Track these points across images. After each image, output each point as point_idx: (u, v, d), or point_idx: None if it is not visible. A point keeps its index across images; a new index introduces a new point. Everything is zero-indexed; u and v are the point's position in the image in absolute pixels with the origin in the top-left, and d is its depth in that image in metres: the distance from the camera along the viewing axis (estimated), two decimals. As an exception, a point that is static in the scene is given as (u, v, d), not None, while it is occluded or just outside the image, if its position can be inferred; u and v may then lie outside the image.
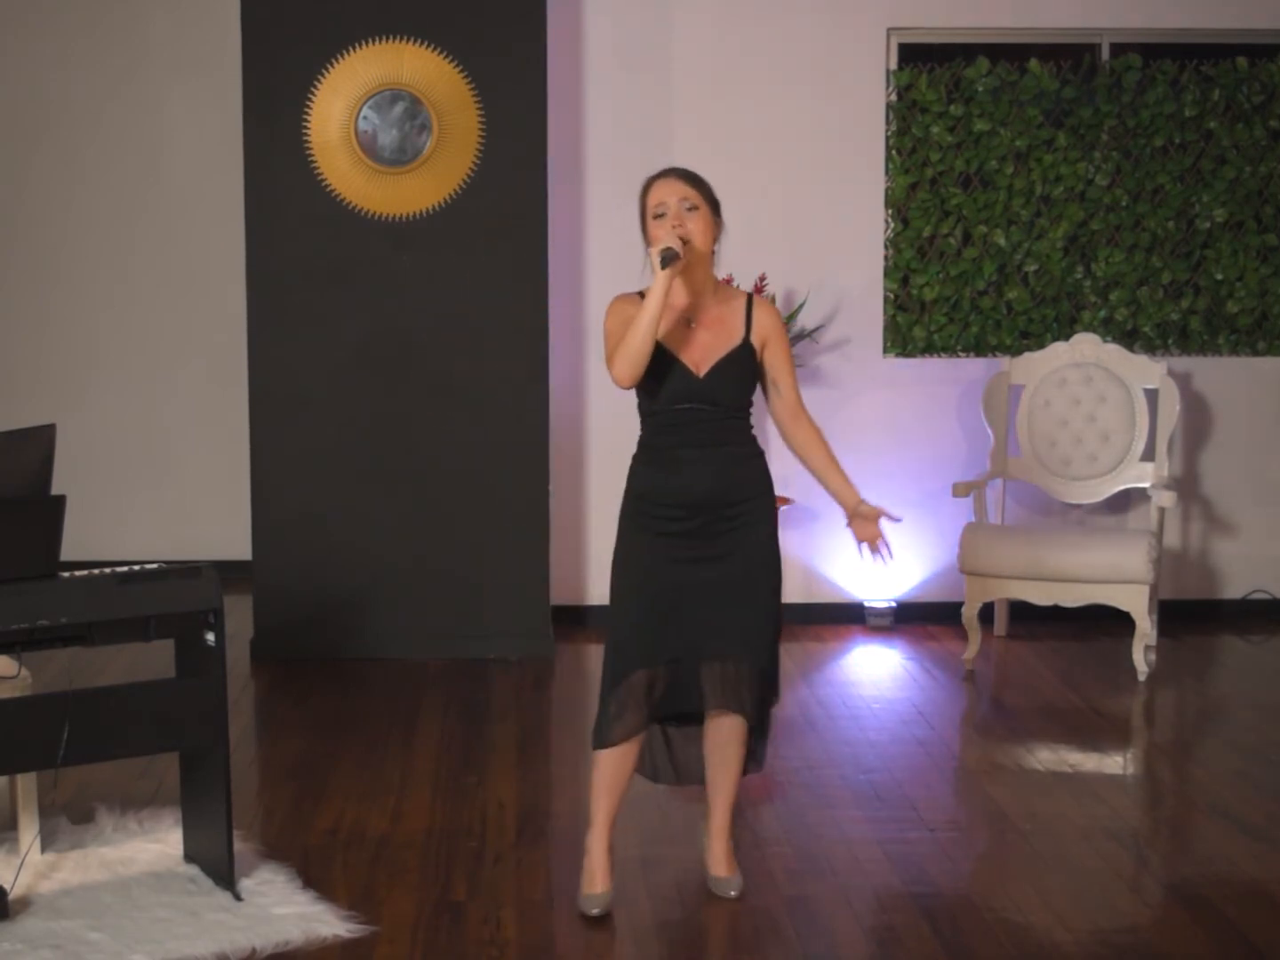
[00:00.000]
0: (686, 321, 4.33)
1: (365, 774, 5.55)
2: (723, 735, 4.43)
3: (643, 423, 4.39)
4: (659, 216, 4.29)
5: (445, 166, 6.98)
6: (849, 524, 4.43)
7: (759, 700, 4.39)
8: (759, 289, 7.15)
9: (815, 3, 7.46)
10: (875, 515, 4.39)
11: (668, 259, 4.18)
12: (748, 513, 4.34)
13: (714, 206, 4.37)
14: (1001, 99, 7.56)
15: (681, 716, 4.48)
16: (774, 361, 4.37)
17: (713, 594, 4.31)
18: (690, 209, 4.30)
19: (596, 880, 4.40)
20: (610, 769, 4.39)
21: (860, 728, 6.08)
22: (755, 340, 4.34)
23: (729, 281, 7.08)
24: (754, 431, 4.42)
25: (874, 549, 4.39)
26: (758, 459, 4.39)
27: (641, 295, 4.31)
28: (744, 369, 4.34)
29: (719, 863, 4.51)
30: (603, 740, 4.35)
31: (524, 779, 5.49)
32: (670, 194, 4.31)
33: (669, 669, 4.31)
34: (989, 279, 7.61)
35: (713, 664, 4.33)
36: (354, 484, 7.05)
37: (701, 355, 4.30)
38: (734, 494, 4.32)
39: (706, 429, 4.30)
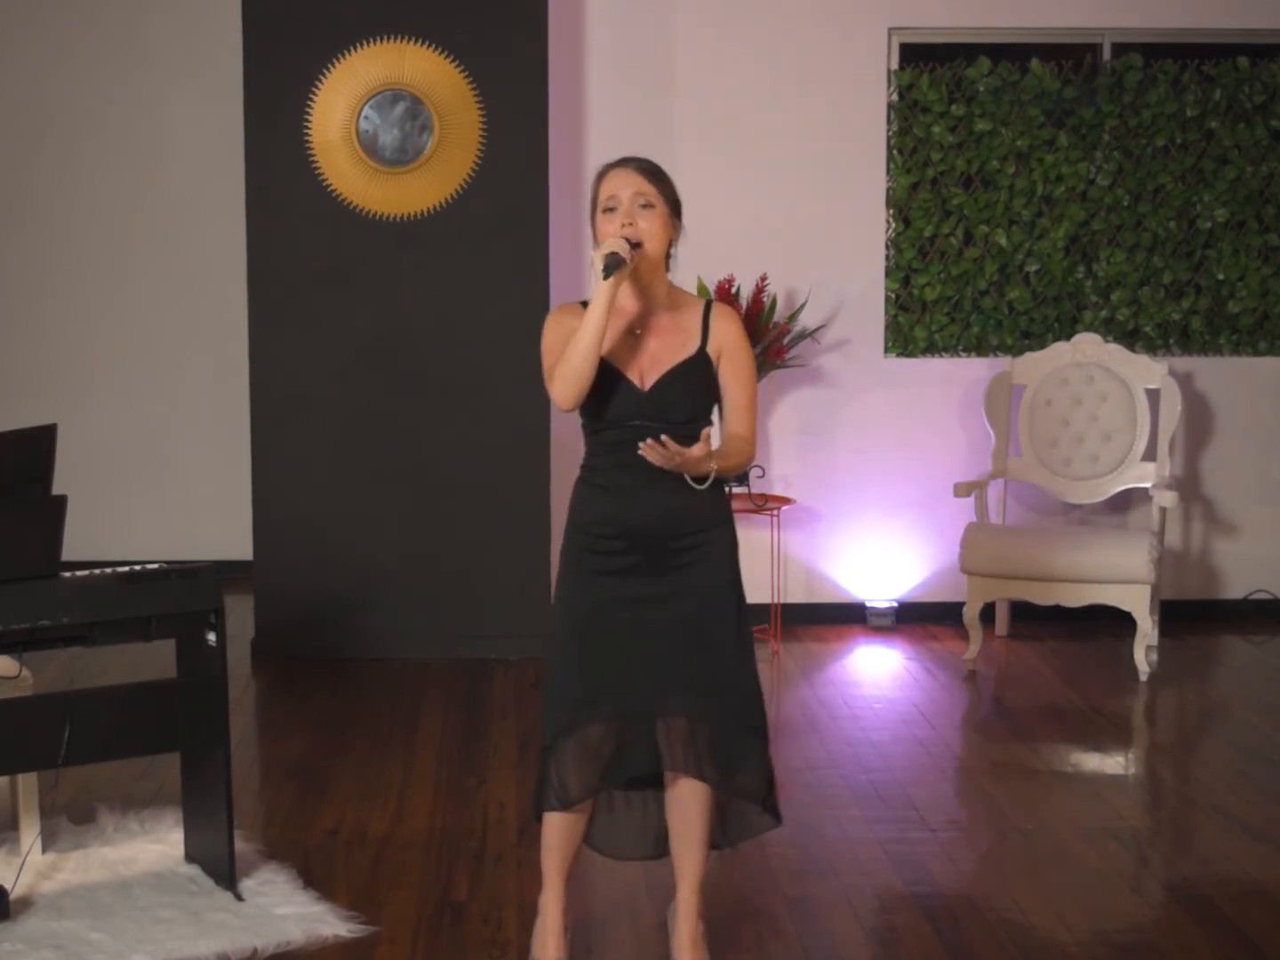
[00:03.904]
0: (631, 330, 3.87)
1: (366, 774, 5.55)
2: (683, 801, 3.93)
3: (586, 442, 3.93)
4: (609, 210, 3.83)
5: (446, 166, 6.98)
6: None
7: (749, 757, 3.88)
8: (760, 289, 7.15)
9: (816, 3, 7.46)
10: (704, 442, 3.78)
11: (611, 266, 3.71)
12: (701, 545, 3.87)
13: (673, 206, 3.87)
14: (1003, 99, 7.55)
15: (630, 781, 4.00)
16: (726, 376, 3.90)
17: (669, 641, 3.83)
18: (644, 206, 3.82)
19: (550, 945, 4.00)
20: (563, 829, 3.96)
21: (861, 728, 6.07)
22: (712, 350, 3.87)
23: (732, 282, 7.11)
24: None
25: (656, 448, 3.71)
26: (713, 485, 3.88)
27: (584, 305, 3.86)
28: (698, 381, 3.86)
29: (684, 948, 4.00)
30: (564, 801, 3.87)
31: (524, 779, 5.48)
32: (624, 187, 3.82)
33: (633, 723, 3.84)
34: (990, 279, 7.61)
35: (671, 721, 3.83)
36: (354, 484, 7.05)
37: (648, 366, 3.84)
38: (683, 525, 3.85)
39: None
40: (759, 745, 3.91)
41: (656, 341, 3.87)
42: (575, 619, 3.89)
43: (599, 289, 3.74)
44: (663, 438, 3.71)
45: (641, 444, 3.71)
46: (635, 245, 3.79)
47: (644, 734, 3.86)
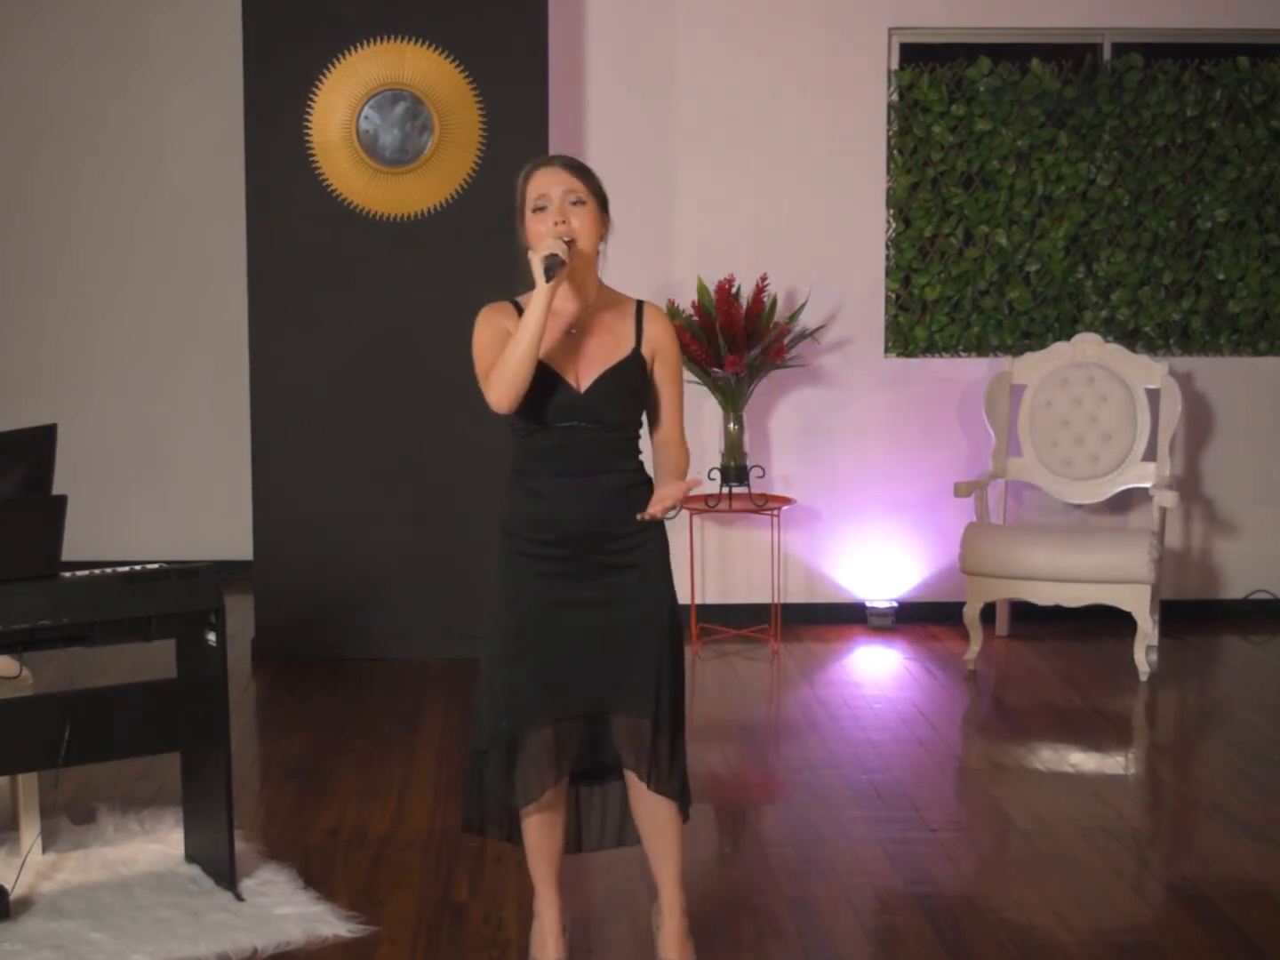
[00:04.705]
0: (567, 330, 3.82)
1: (366, 774, 5.55)
2: (648, 807, 3.91)
3: (514, 445, 3.88)
4: (539, 210, 3.77)
5: (446, 166, 6.98)
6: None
7: (670, 759, 3.85)
8: (760, 289, 7.14)
9: (816, 3, 7.45)
10: (684, 484, 3.80)
11: (552, 267, 3.66)
12: (634, 549, 3.83)
13: (601, 202, 3.83)
14: (1003, 99, 7.55)
15: (589, 774, 4.00)
16: (660, 379, 3.87)
17: (605, 643, 3.81)
18: (575, 203, 3.77)
19: (549, 946, 4.00)
20: (540, 832, 3.93)
21: (862, 727, 6.07)
22: (646, 351, 3.84)
23: (732, 282, 7.11)
24: (642, 457, 3.90)
25: (658, 507, 3.74)
26: (643, 487, 3.86)
27: (515, 304, 3.83)
28: (632, 383, 3.82)
29: (670, 946, 3.97)
30: (507, 806, 3.86)
31: (525, 779, 5.48)
32: (554, 185, 3.77)
33: (575, 724, 3.83)
34: (990, 279, 7.61)
35: (618, 722, 3.82)
36: (354, 484, 7.05)
37: (583, 367, 3.80)
38: (616, 528, 3.81)
39: (586, 451, 3.79)
40: (682, 745, 3.91)
41: (591, 342, 3.83)
42: (511, 624, 3.85)
43: (539, 291, 3.68)
44: (668, 496, 3.73)
45: (646, 513, 3.73)
46: (569, 243, 3.74)
47: (586, 733, 3.85)
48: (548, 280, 3.68)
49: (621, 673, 3.82)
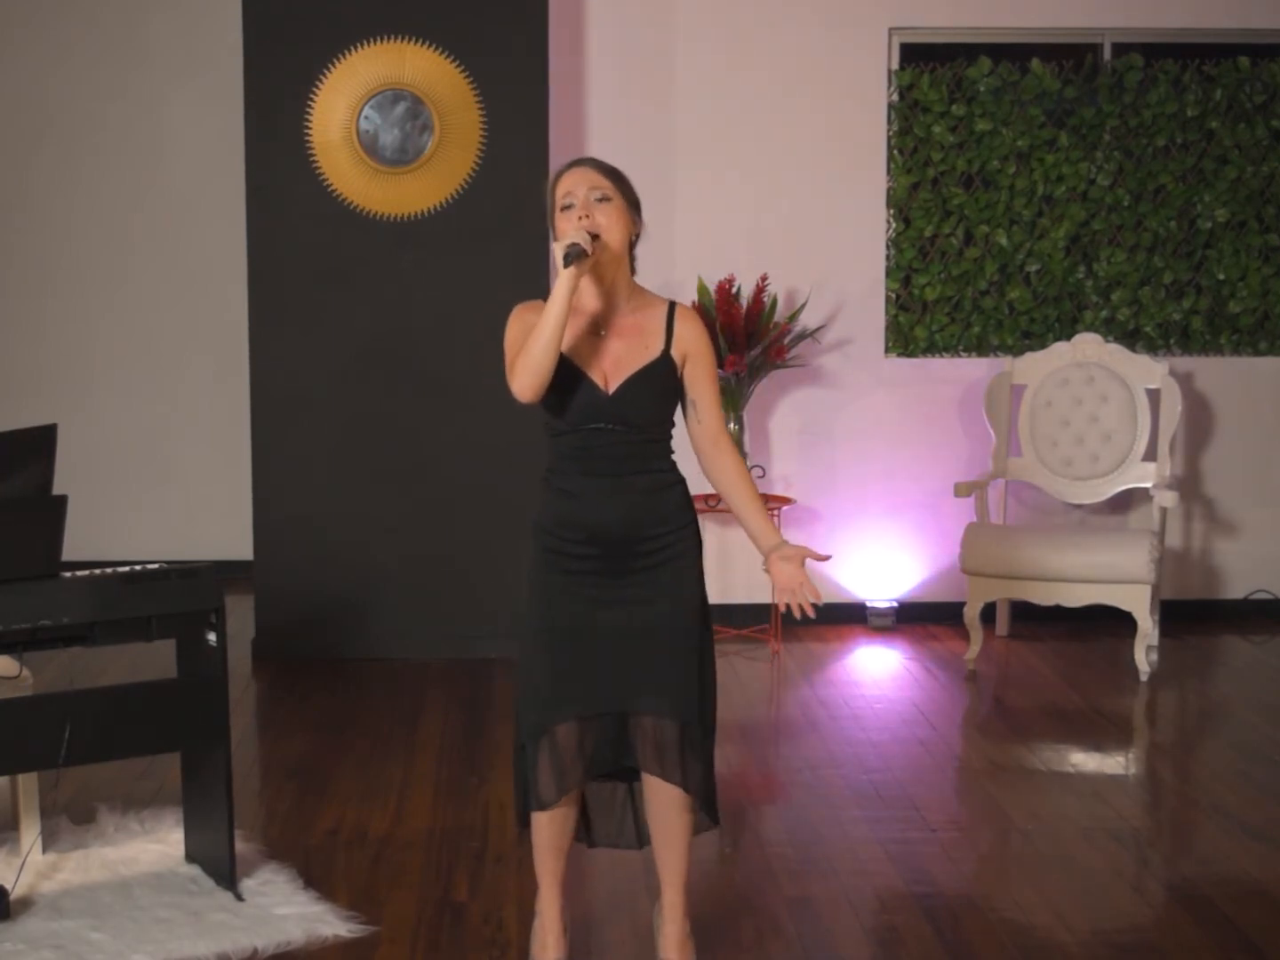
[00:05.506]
0: (596, 330, 3.83)
1: (366, 774, 5.55)
2: (661, 804, 3.91)
3: (549, 446, 3.89)
4: (566, 208, 3.80)
5: (446, 166, 6.98)
6: (766, 567, 3.88)
7: (695, 760, 3.87)
8: (760, 289, 7.15)
9: (817, 3, 7.45)
10: (798, 556, 3.84)
11: (571, 256, 3.67)
12: (665, 548, 3.84)
13: (631, 202, 3.86)
14: (1003, 99, 7.55)
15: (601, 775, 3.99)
16: (695, 379, 3.86)
17: (633, 642, 3.82)
18: (601, 199, 3.80)
19: (549, 946, 4.01)
20: (551, 828, 3.93)
21: (862, 728, 6.07)
22: (676, 354, 3.83)
23: (733, 282, 7.11)
24: (674, 456, 3.91)
25: (795, 596, 3.84)
26: (676, 487, 3.88)
27: (545, 302, 3.80)
28: (661, 385, 3.83)
29: (671, 947, 4.00)
30: (539, 803, 3.86)
31: (525, 779, 5.48)
32: (579, 183, 3.80)
33: (601, 722, 3.84)
34: (991, 279, 7.61)
35: (641, 720, 3.83)
36: (355, 484, 7.05)
37: (612, 368, 3.80)
38: (647, 528, 3.82)
39: (616, 453, 3.80)
40: (709, 746, 3.92)
41: (620, 343, 3.83)
42: (542, 621, 3.86)
43: (560, 278, 3.69)
44: (801, 574, 3.83)
45: (795, 606, 3.83)
46: (594, 237, 3.75)
47: (613, 732, 3.86)
48: (566, 266, 3.68)
49: (646, 673, 3.83)
